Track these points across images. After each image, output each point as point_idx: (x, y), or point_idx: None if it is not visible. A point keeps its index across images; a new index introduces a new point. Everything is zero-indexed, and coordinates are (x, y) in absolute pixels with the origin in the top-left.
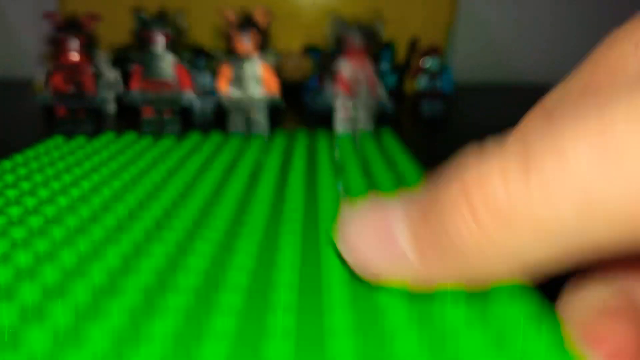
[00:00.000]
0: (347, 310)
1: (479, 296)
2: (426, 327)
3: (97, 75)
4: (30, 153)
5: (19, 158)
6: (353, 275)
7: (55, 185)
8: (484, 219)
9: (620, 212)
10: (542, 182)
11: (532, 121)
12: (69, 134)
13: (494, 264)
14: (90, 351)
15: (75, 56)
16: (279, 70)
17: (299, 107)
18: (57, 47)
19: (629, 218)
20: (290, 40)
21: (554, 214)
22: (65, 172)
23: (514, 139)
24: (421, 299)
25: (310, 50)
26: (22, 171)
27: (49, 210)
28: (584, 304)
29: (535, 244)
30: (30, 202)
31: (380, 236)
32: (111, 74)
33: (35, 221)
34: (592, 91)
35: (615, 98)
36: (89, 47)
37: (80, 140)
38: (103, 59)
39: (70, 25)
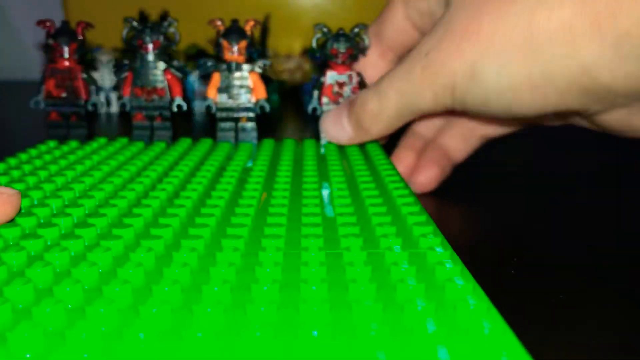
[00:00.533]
0: (323, 306)
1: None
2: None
3: (90, 81)
4: (22, 156)
5: (11, 161)
6: (329, 274)
7: (47, 187)
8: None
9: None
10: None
11: None
12: (62, 139)
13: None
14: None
15: (67, 62)
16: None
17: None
18: (50, 53)
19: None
20: (291, 43)
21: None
22: (57, 175)
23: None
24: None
25: (310, 52)
26: (16, 174)
27: (41, 212)
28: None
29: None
30: (22, 203)
31: (336, 120)
32: (108, 80)
33: (26, 222)
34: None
35: None
36: (82, 53)
37: (72, 144)
38: (105, 64)
39: (63, 32)
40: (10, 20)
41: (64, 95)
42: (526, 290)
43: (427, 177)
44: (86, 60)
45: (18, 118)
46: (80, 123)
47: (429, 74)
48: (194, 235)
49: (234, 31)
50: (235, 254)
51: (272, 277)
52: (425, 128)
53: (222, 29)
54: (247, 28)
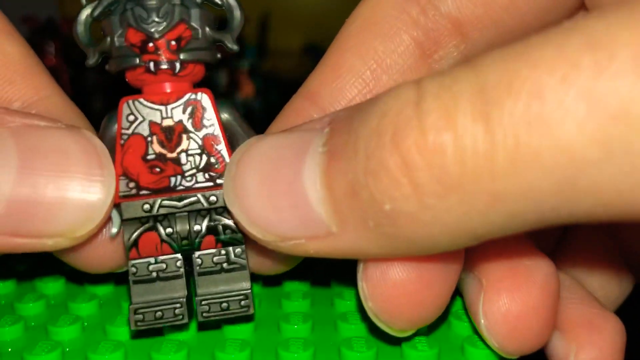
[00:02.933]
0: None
1: None
2: None
3: (73, 78)
4: None
5: None
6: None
7: None
8: (424, 181)
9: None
10: (510, 135)
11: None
12: None
13: (433, 233)
14: None
15: (51, 59)
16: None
17: None
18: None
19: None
20: (290, 40)
21: (525, 182)
22: None
23: (462, 73)
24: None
25: (309, 49)
26: None
27: None
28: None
29: (491, 214)
30: None
31: (286, 192)
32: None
33: None
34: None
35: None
36: (66, 51)
37: None
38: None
39: (47, 29)
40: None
41: None
42: None
43: None
44: (73, 58)
45: None
46: None
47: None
48: None
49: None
50: None
51: None
52: None
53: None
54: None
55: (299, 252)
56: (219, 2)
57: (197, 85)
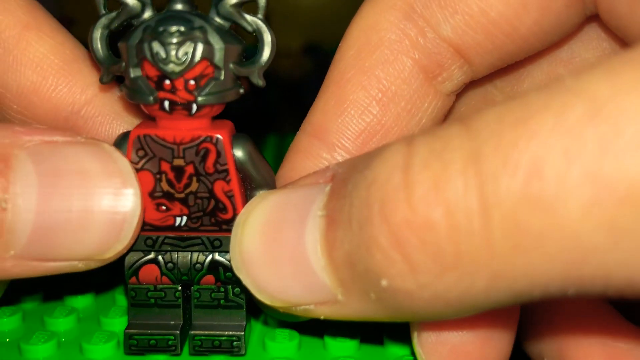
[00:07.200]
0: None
1: None
2: None
3: None
4: None
5: None
6: None
7: None
8: (418, 259)
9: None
10: (507, 215)
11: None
12: None
13: (436, 308)
14: None
15: None
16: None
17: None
18: None
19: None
20: (290, 40)
21: (527, 265)
22: None
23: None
24: None
25: (309, 49)
26: None
27: None
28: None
29: (493, 292)
30: None
31: (290, 258)
32: None
33: None
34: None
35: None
36: None
37: None
38: None
39: None
40: None
41: None
42: None
43: None
44: None
45: None
46: None
47: None
48: None
49: None
50: None
51: None
52: None
53: None
54: None
55: (310, 316)
56: (249, 28)
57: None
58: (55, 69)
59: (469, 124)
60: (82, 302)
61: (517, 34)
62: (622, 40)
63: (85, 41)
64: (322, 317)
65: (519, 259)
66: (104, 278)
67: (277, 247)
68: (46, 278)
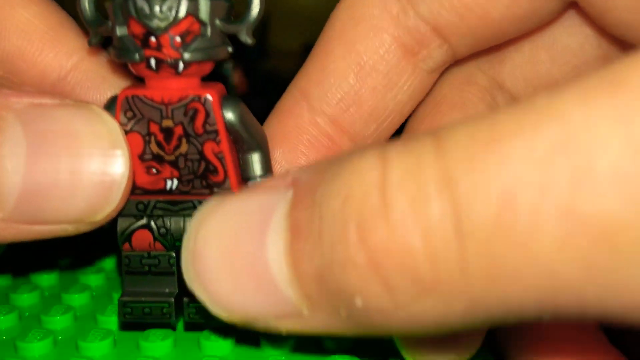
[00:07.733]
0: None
1: None
2: None
3: None
4: None
5: None
6: None
7: None
8: (396, 281)
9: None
10: (482, 247)
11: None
12: None
13: (411, 328)
14: None
15: None
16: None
17: None
18: None
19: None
20: (290, 40)
21: (504, 295)
22: None
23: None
24: None
25: (310, 49)
26: None
27: None
28: None
29: (470, 318)
30: None
31: (250, 269)
32: None
33: None
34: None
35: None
36: None
37: None
38: None
39: None
40: None
41: None
42: None
43: None
44: None
45: None
46: None
47: None
48: None
49: None
50: None
51: None
52: None
53: None
54: None
55: (271, 331)
56: None
57: (208, 76)
58: (40, 34)
59: (439, 139)
60: (79, 300)
61: (490, 18)
62: (602, 29)
63: (70, 11)
64: (284, 333)
65: (495, 288)
66: (102, 278)
67: (236, 258)
68: (46, 278)
